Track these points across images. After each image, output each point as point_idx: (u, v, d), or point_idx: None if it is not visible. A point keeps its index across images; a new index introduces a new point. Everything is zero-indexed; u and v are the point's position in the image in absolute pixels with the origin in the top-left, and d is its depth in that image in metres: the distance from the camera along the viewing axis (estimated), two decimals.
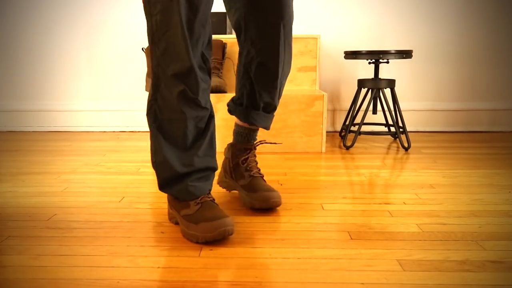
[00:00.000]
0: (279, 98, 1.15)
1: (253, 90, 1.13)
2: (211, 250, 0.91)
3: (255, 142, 1.22)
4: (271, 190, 1.13)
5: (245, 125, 1.18)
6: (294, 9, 2.37)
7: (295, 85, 2.17)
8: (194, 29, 0.89)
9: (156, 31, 0.90)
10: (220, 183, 1.29)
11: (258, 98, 1.13)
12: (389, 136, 2.30)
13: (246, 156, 1.19)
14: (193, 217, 0.95)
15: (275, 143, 1.33)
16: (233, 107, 1.19)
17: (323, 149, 1.91)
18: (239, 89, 1.17)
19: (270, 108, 1.15)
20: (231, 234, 0.94)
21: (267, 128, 1.20)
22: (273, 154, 1.86)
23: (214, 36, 2.08)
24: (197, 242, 0.94)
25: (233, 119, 1.89)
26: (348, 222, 1.07)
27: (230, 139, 1.91)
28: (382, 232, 1.00)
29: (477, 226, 1.03)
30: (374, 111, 2.11)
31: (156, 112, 0.96)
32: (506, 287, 0.76)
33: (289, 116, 1.85)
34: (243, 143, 1.20)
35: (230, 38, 2.09)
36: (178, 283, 0.78)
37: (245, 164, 1.18)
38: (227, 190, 1.29)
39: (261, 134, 1.90)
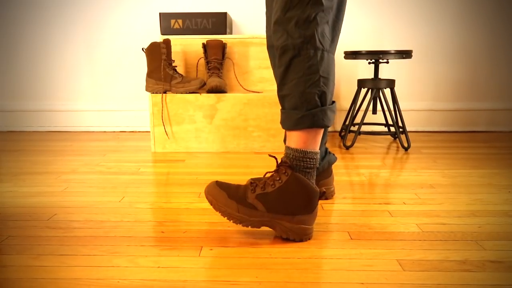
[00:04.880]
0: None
1: None
2: (211, 249, 0.91)
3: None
4: None
5: None
6: None
7: None
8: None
9: None
10: None
11: None
12: (389, 136, 2.30)
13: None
14: None
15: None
16: None
17: None
18: None
19: None
20: None
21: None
22: (273, 154, 1.86)
23: (214, 36, 2.08)
24: None
25: (233, 119, 1.90)
26: (348, 222, 1.07)
27: (230, 139, 1.91)
28: (382, 232, 1.01)
29: (477, 226, 1.03)
30: (374, 111, 2.11)
31: None
32: (506, 287, 0.76)
33: None
34: None
35: (230, 38, 2.09)
36: (178, 282, 0.78)
37: None
38: None
39: (262, 134, 1.90)
